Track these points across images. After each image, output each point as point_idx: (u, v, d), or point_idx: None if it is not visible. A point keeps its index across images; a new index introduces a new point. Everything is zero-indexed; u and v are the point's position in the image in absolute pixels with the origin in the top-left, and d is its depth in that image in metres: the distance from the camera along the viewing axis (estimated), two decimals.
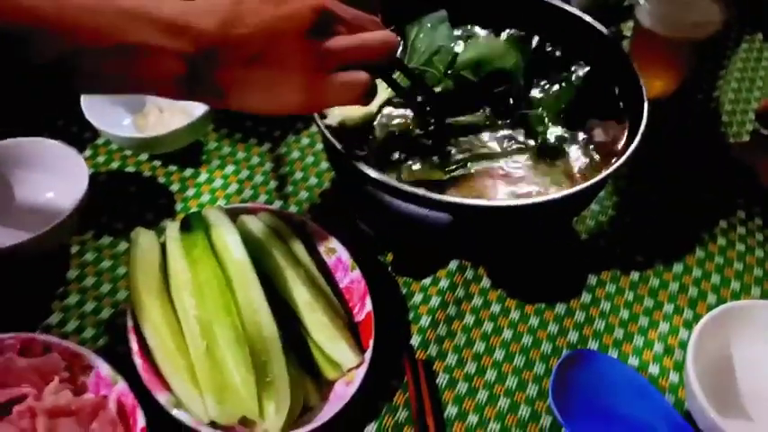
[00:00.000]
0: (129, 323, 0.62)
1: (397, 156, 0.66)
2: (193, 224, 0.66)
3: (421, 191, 0.58)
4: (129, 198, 0.77)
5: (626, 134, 0.70)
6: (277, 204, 0.78)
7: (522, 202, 0.62)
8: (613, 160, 0.67)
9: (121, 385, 0.59)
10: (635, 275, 0.75)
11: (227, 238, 0.64)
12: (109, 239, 0.73)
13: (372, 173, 0.59)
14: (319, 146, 0.84)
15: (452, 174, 0.66)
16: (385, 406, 0.64)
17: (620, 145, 0.69)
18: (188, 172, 0.80)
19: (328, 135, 0.62)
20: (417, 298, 0.71)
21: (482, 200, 0.63)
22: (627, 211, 0.81)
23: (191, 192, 0.78)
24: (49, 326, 0.66)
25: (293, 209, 0.77)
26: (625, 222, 0.80)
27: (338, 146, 0.61)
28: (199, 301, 0.62)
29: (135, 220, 0.75)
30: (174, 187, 0.79)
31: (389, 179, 0.59)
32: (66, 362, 0.60)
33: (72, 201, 0.67)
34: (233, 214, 0.68)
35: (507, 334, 0.70)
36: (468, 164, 0.67)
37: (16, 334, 0.60)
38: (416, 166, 0.66)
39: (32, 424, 0.56)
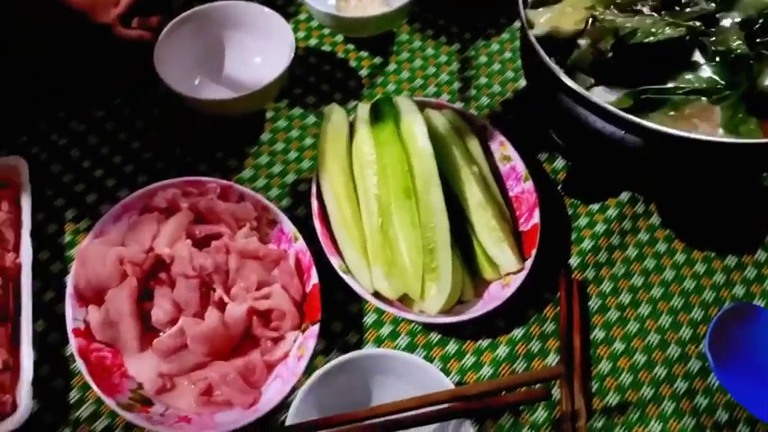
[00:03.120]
0: (313, 189, 0.67)
1: (591, 74, 0.65)
2: (384, 109, 0.69)
3: (622, 112, 0.57)
4: (321, 75, 0.81)
5: None
6: (458, 106, 0.79)
7: (721, 140, 0.59)
8: None
9: (301, 243, 0.65)
10: None
11: (415, 128, 0.67)
12: (300, 111, 0.78)
13: (577, 88, 0.58)
14: (507, 54, 0.83)
15: (646, 99, 0.64)
16: (534, 315, 0.66)
17: None
18: (378, 60, 0.83)
19: (534, 41, 0.62)
20: (583, 221, 0.71)
21: (682, 131, 0.60)
22: None
23: (378, 79, 0.81)
24: (242, 179, 0.73)
25: (473, 113, 0.78)
26: None
27: (544, 56, 0.60)
28: (381, 182, 0.65)
29: (324, 96, 0.79)
30: (364, 72, 0.82)
31: (592, 96, 0.58)
32: (256, 212, 0.67)
33: (275, 69, 0.71)
34: (420, 106, 0.70)
35: (669, 274, 0.68)
36: (663, 95, 0.64)
37: (218, 180, 0.68)
38: (609, 89, 0.64)
39: (226, 259, 0.63)
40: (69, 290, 0.61)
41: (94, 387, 0.56)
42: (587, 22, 0.67)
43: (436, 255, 0.62)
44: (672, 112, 0.63)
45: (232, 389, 0.58)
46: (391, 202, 0.64)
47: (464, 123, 0.72)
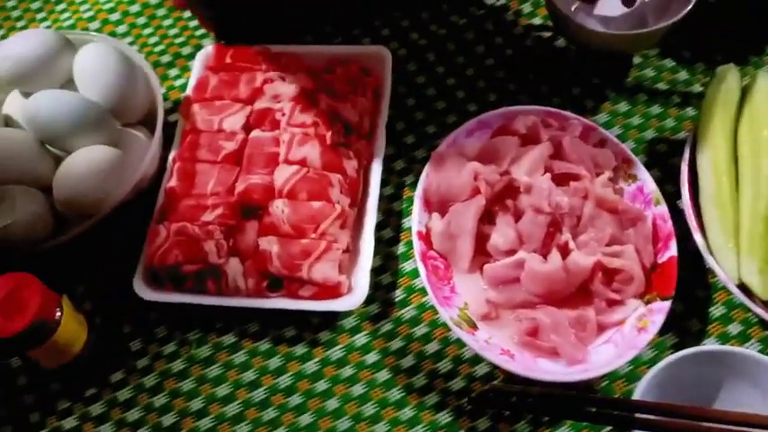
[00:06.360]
0: (686, 154, 0.60)
1: None
2: None
3: None
4: (707, 26, 0.71)
5: None
6: None
7: None
8: None
9: (662, 208, 0.58)
10: None
11: None
12: (671, 63, 0.70)
13: None
14: None
15: None
16: None
17: None
18: None
19: None
20: None
21: None
22: None
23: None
24: (596, 122, 0.67)
25: None
26: None
27: None
28: None
29: (703, 53, 0.70)
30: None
31: None
32: (615, 163, 0.61)
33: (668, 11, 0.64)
34: None
35: None
36: None
37: (581, 118, 0.62)
38: None
39: (581, 204, 0.58)
40: (419, 192, 0.60)
41: (431, 295, 0.55)
42: None
43: None
44: None
45: (562, 338, 0.55)
46: None
47: None
